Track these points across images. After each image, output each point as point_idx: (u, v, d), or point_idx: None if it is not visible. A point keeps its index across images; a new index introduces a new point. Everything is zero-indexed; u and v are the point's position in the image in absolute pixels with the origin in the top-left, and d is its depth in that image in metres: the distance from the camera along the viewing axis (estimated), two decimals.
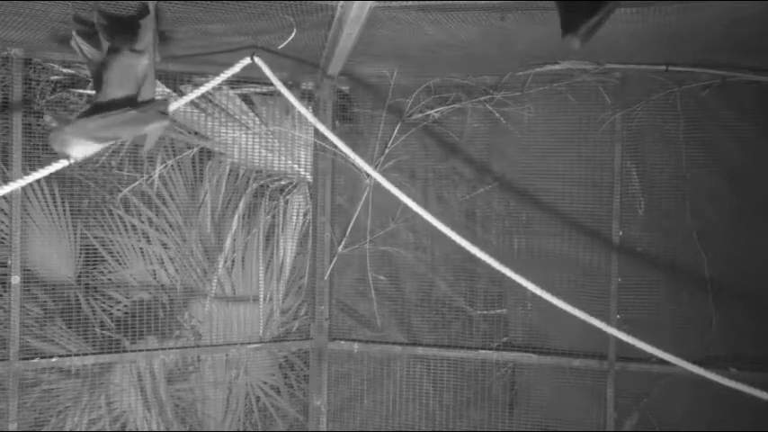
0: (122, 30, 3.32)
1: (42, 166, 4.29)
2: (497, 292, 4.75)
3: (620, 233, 4.56)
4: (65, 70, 4.37)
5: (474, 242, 4.70)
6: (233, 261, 4.96)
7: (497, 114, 4.68)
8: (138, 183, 4.64)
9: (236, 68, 3.85)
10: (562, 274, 4.62)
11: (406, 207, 4.75)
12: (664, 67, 4.40)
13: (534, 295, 4.62)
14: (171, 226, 4.81)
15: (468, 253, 4.76)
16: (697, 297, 4.47)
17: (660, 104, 4.49)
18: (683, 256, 4.50)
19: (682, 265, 4.52)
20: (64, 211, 4.53)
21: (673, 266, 4.53)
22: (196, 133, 4.80)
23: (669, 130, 4.49)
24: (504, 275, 4.59)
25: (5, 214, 4.29)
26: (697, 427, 4.47)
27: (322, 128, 3.96)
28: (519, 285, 4.59)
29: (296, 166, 4.96)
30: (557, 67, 4.50)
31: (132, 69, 3.28)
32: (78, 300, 4.58)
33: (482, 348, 4.76)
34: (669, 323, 4.50)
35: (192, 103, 4.66)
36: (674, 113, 4.47)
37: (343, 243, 4.89)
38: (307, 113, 3.97)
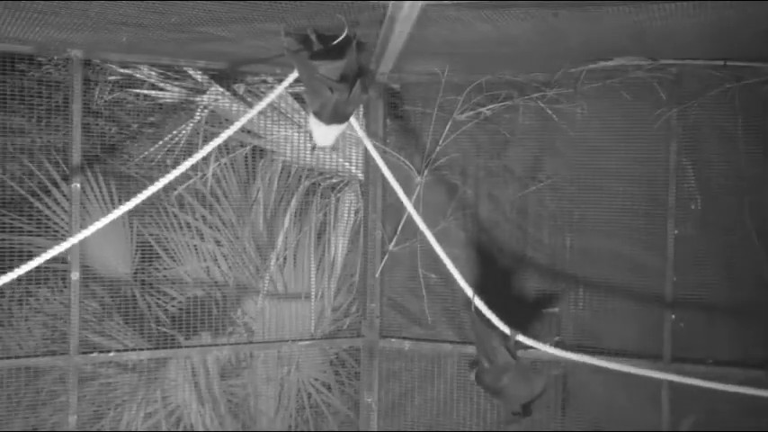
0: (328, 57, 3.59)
1: (101, 164, 4.44)
2: (550, 290, 4.71)
3: (676, 231, 4.48)
4: (122, 70, 4.45)
5: (525, 241, 4.72)
6: (285, 258, 5.00)
7: (549, 111, 4.63)
8: (192, 181, 4.71)
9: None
10: (616, 272, 4.56)
11: (457, 205, 4.79)
12: (722, 62, 4.31)
13: (587, 295, 4.63)
14: (224, 223, 4.87)
15: (519, 252, 4.76)
16: (756, 297, 4.36)
17: (717, 101, 4.39)
18: (741, 255, 4.40)
19: (739, 264, 4.42)
20: None
21: (730, 266, 4.44)
22: (249, 131, 4.85)
23: (727, 127, 4.39)
24: (557, 274, 4.63)
25: (65, 211, 4.40)
26: (755, 428, 4.37)
27: (370, 147, 4.06)
28: (572, 284, 4.61)
29: (347, 164, 4.98)
30: (610, 63, 4.44)
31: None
32: (135, 296, 4.67)
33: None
34: (726, 323, 4.41)
35: (245, 101, 4.72)
36: (731, 110, 4.37)
37: (394, 241, 4.90)
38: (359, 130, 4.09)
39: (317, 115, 3.68)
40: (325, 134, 3.81)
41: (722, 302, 4.43)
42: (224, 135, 3.87)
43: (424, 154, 4.82)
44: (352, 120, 3.91)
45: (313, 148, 3.99)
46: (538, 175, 4.72)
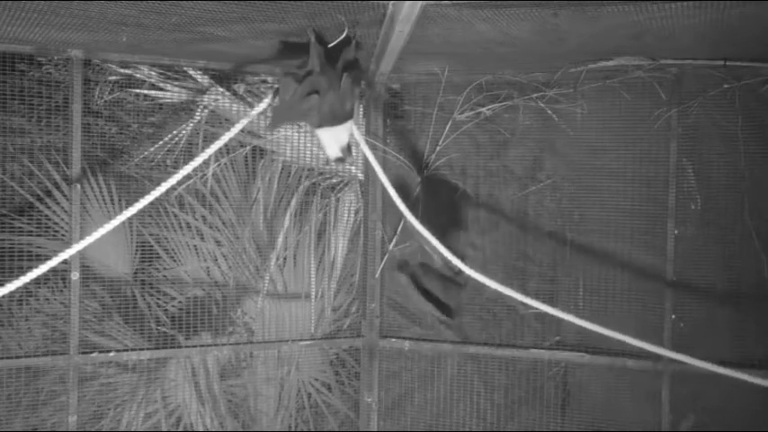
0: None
1: (101, 164, 4.45)
2: (549, 290, 4.71)
3: (676, 231, 4.49)
4: (122, 70, 4.46)
5: (525, 240, 4.72)
6: (285, 258, 5.00)
7: (549, 111, 4.63)
8: (192, 181, 4.71)
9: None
10: (616, 272, 4.56)
11: (457, 205, 4.78)
12: (722, 62, 4.31)
13: (587, 295, 4.63)
14: (224, 223, 4.87)
15: (519, 251, 4.76)
16: (756, 297, 4.36)
17: (717, 100, 4.40)
18: (741, 255, 4.41)
19: (739, 264, 4.42)
20: (121, 208, 4.61)
21: (730, 266, 4.44)
22: (249, 132, 4.85)
23: (727, 127, 4.40)
24: (556, 274, 4.63)
25: (65, 212, 4.40)
26: (755, 428, 4.37)
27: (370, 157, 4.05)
28: (572, 284, 4.61)
29: (347, 164, 4.98)
30: (610, 63, 4.44)
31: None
32: (135, 296, 4.67)
33: (533, 347, 4.72)
34: (726, 323, 4.42)
35: (245, 101, 4.72)
36: (731, 109, 4.37)
37: (394, 241, 4.90)
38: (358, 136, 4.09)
39: (320, 126, 3.67)
40: (335, 138, 3.75)
41: (722, 302, 4.43)
42: (225, 137, 3.87)
43: (424, 154, 4.82)
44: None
45: (328, 161, 3.95)
46: (538, 175, 4.72)
